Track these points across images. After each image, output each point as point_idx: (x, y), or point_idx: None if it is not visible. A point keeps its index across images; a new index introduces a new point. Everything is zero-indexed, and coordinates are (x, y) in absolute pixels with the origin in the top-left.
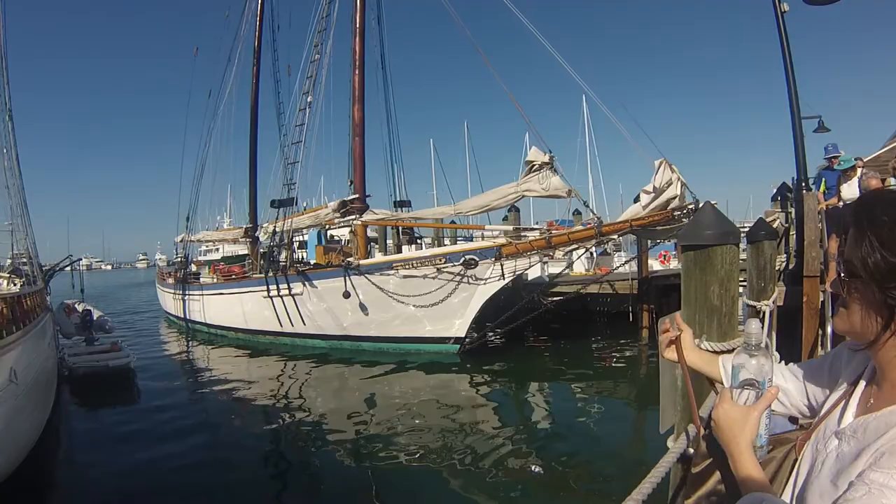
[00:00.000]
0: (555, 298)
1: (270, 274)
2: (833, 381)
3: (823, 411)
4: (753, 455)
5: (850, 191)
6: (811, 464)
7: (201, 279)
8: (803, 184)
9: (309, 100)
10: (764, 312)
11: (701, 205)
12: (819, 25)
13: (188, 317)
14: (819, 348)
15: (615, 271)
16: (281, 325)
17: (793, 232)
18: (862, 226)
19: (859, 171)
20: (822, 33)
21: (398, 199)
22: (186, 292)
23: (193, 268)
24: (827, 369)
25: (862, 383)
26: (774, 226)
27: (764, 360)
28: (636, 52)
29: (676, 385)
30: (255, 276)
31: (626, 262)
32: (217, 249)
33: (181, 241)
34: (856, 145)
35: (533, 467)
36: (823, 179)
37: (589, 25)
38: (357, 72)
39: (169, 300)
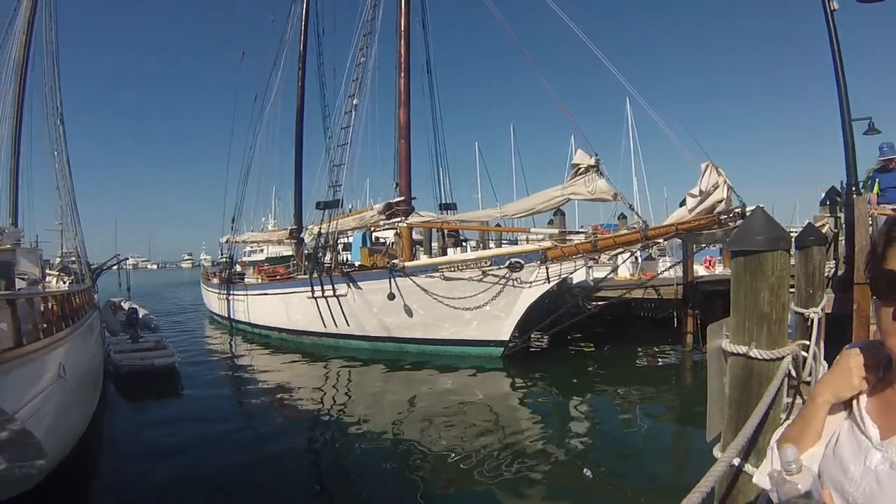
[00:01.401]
0: (599, 303)
1: (315, 275)
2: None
3: (824, 445)
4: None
5: None
6: (866, 490)
7: (246, 279)
8: (854, 188)
9: (355, 102)
10: (813, 320)
11: (750, 209)
12: (870, 21)
13: (233, 317)
14: None
15: (660, 276)
16: (325, 326)
17: (842, 237)
18: None
19: None
20: (873, 29)
21: (443, 202)
22: (231, 292)
23: (238, 268)
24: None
25: (862, 397)
26: (823, 231)
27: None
28: (681, 52)
29: (724, 392)
30: (299, 276)
31: (670, 267)
32: (262, 250)
33: (226, 241)
34: None
35: (585, 471)
36: (878, 181)
37: (633, 26)
38: (402, 75)
39: (213, 300)
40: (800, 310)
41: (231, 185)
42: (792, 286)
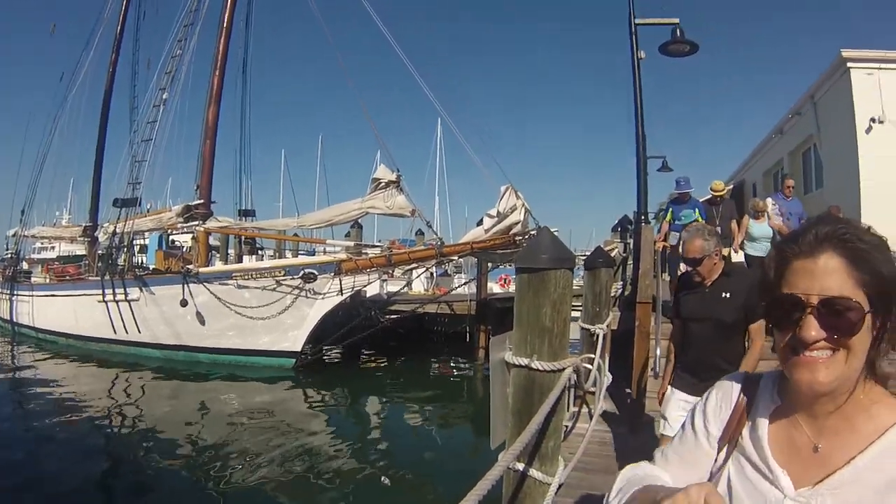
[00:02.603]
0: (393, 316)
1: (107, 277)
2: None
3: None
4: None
5: (760, 229)
6: None
7: (32, 279)
8: (643, 216)
9: (164, 96)
10: (598, 335)
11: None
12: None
13: (15, 319)
14: (648, 369)
15: (453, 292)
16: (115, 333)
17: (631, 262)
18: (859, 244)
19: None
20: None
21: (243, 208)
22: (15, 292)
23: (25, 266)
24: (703, 440)
25: (763, 433)
26: (613, 255)
27: None
28: (497, 78)
29: (507, 402)
30: (91, 278)
31: (464, 284)
32: (53, 247)
33: (13, 235)
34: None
35: (382, 479)
36: (671, 210)
37: (452, 50)
38: (217, 72)
39: None
40: (586, 326)
41: (25, 172)
42: (579, 304)
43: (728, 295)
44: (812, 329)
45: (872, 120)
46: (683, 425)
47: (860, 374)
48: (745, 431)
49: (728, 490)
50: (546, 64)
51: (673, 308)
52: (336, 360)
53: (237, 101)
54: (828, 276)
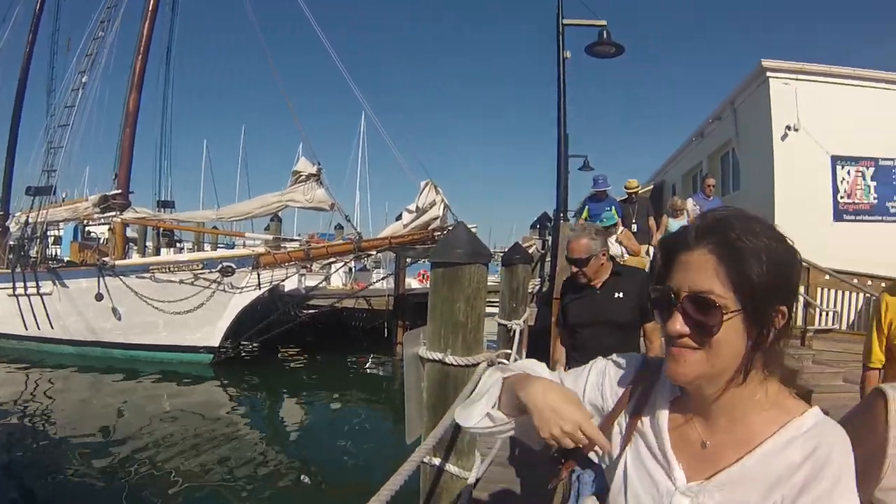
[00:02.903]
0: (311, 311)
1: (18, 269)
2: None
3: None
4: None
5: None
6: None
7: None
8: (563, 213)
9: (84, 80)
10: (515, 330)
11: (473, 227)
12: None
13: None
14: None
15: (371, 287)
16: (26, 328)
17: (549, 258)
18: (737, 243)
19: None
20: (610, 87)
21: (162, 199)
22: None
23: None
24: (600, 393)
25: (663, 424)
26: (531, 251)
27: None
28: (422, 77)
29: (422, 397)
30: (0, 270)
31: (382, 279)
32: None
33: None
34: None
35: (302, 477)
36: (588, 208)
37: (380, 48)
38: (140, 57)
39: None
40: (503, 321)
41: None
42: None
43: (621, 295)
44: (677, 323)
45: (788, 128)
46: (583, 371)
47: (737, 373)
48: (647, 419)
49: (623, 474)
50: (472, 62)
51: (560, 315)
52: (254, 356)
53: (160, 89)
54: (698, 272)
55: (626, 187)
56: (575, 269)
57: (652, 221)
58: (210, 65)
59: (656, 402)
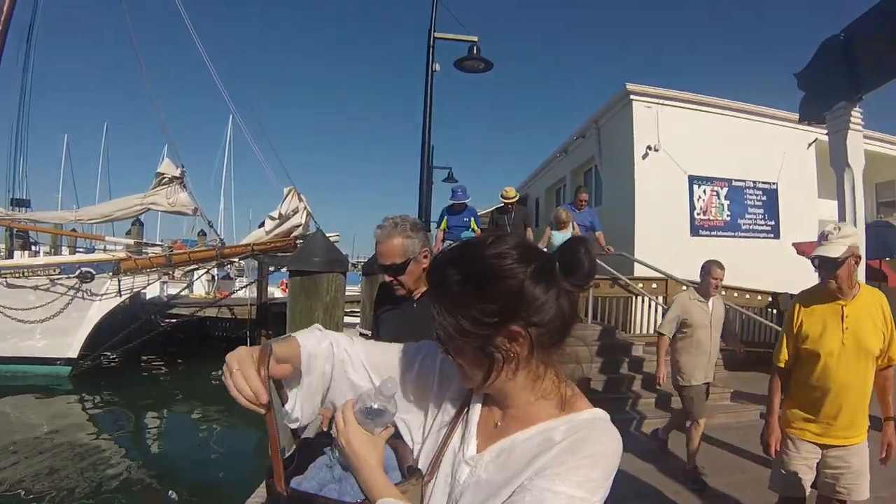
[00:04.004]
0: (173, 320)
1: None
2: (439, 398)
3: (437, 438)
4: (385, 475)
5: (562, 239)
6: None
7: None
8: (425, 223)
9: None
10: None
11: (333, 236)
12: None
13: None
14: None
15: (234, 296)
16: None
17: None
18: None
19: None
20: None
21: (16, 197)
22: None
23: None
24: (433, 382)
25: (477, 406)
26: None
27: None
28: (294, 82)
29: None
30: None
31: (244, 287)
32: None
33: None
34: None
35: (170, 493)
36: (445, 218)
37: (252, 48)
38: None
39: None
40: (364, 331)
41: None
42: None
43: None
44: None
45: (649, 148)
46: (404, 350)
47: (511, 381)
48: (471, 405)
49: (440, 450)
50: (343, 70)
51: (372, 332)
52: (115, 367)
53: (17, 74)
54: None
55: (502, 196)
56: (390, 278)
57: (529, 232)
58: (74, 53)
59: (478, 395)
